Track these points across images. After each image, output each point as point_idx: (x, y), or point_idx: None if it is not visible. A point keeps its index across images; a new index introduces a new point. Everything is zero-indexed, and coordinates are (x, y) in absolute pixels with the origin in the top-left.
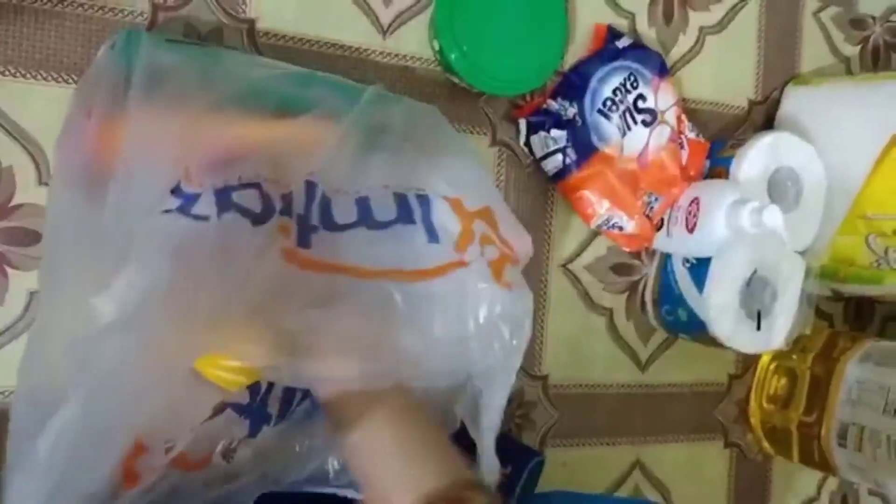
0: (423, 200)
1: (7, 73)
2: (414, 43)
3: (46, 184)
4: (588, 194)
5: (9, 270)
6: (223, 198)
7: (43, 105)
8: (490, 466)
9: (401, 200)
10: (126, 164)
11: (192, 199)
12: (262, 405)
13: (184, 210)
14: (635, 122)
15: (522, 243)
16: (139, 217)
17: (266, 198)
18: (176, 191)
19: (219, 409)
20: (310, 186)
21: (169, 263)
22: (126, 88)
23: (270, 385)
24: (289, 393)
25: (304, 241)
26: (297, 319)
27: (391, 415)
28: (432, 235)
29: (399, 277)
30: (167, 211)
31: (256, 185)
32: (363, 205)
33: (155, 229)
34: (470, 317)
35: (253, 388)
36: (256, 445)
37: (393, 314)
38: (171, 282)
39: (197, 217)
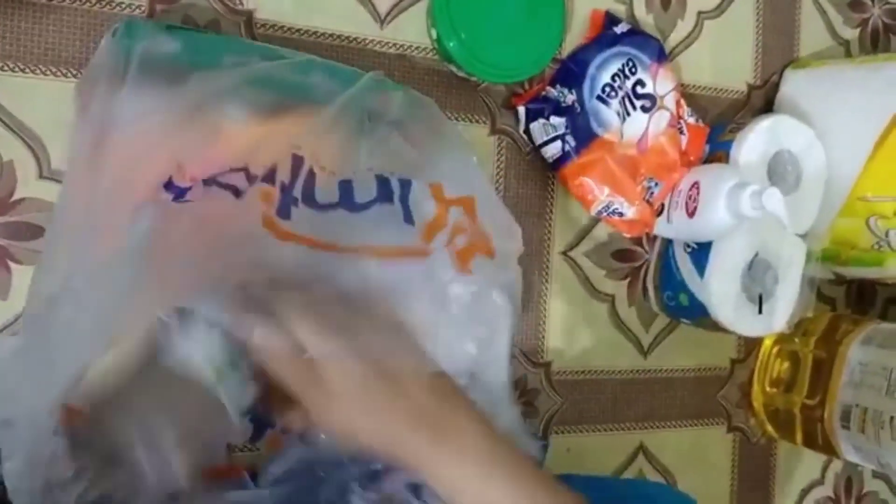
0: (405, 183)
1: (6, 67)
2: (412, 32)
3: (47, 178)
4: (588, 181)
5: (11, 265)
6: (209, 182)
7: (43, 99)
8: None
9: (382, 182)
10: (118, 159)
11: (183, 192)
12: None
13: (175, 201)
14: (634, 108)
15: (512, 236)
16: (130, 212)
17: (251, 176)
18: (168, 185)
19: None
20: (296, 160)
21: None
22: (125, 75)
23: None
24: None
25: (284, 212)
26: (270, 291)
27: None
28: (407, 216)
29: (372, 253)
30: (158, 203)
31: (243, 169)
32: (346, 188)
33: (142, 217)
34: (437, 304)
35: None
36: (282, 465)
37: (368, 291)
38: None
39: (183, 202)
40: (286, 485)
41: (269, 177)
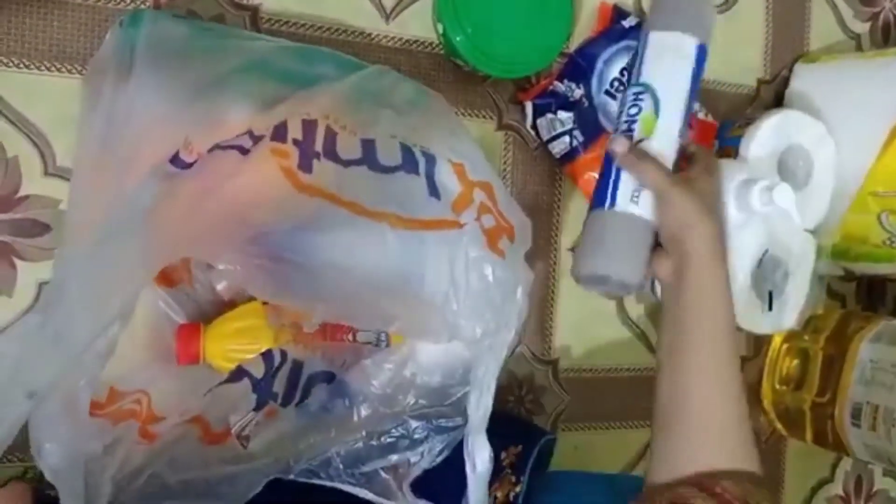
0: (429, 157)
1: (11, 64)
2: (418, 26)
3: (53, 174)
4: (596, 176)
5: (17, 262)
6: (212, 148)
7: (48, 96)
8: (478, 455)
9: (406, 151)
10: (129, 133)
11: (189, 165)
12: (269, 382)
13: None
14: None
15: (522, 228)
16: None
17: (255, 137)
18: (175, 160)
19: (236, 376)
20: (308, 123)
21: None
22: (132, 60)
23: (281, 363)
24: (294, 374)
25: (305, 166)
26: (289, 239)
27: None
28: (433, 190)
29: (396, 222)
30: (166, 176)
31: (247, 132)
32: (368, 146)
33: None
34: (461, 277)
35: (267, 364)
36: (271, 433)
37: (384, 256)
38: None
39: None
40: (275, 451)
41: (280, 135)
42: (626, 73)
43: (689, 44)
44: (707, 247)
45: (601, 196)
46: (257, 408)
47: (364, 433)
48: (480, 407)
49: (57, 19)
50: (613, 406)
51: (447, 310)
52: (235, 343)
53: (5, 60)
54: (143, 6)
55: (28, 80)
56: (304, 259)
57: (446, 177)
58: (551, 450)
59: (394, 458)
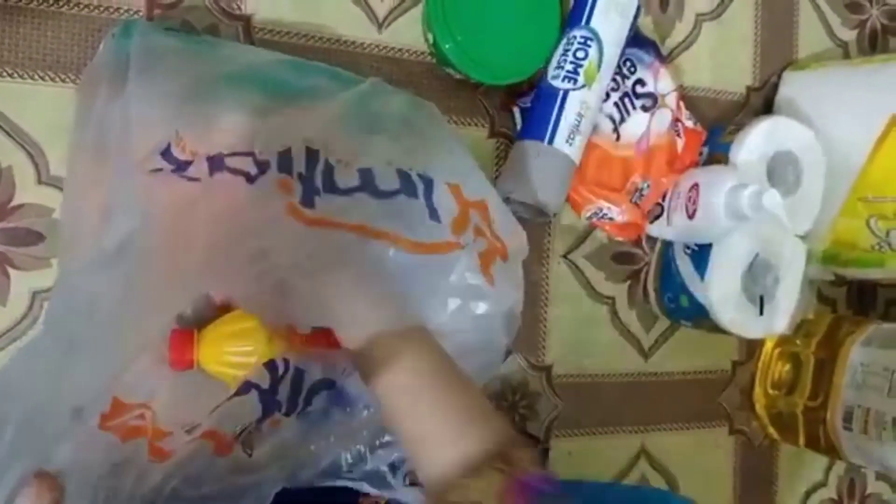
0: (426, 180)
1: (5, 73)
2: (409, 36)
3: (46, 183)
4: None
5: (10, 271)
6: (215, 163)
7: (42, 105)
8: None
9: (404, 176)
10: (122, 143)
11: (184, 165)
12: (273, 391)
13: (176, 172)
14: (634, 108)
15: (517, 240)
16: (128, 174)
17: (261, 163)
18: (166, 154)
19: (244, 389)
20: (311, 152)
21: (157, 216)
22: (126, 69)
23: (284, 372)
24: (296, 383)
25: (307, 202)
26: (298, 271)
27: (422, 355)
28: (433, 213)
29: (402, 244)
30: (156, 170)
31: (250, 154)
32: (366, 174)
33: (142, 184)
34: (451, 303)
35: (272, 374)
36: (274, 442)
37: (387, 276)
38: (161, 233)
39: (190, 178)
40: (280, 460)
41: (286, 167)
42: (615, 79)
43: (633, 4)
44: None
45: (540, 131)
46: (263, 417)
47: (364, 437)
48: None
49: (51, 29)
50: (607, 411)
51: (438, 326)
52: (230, 346)
53: None
54: (136, 16)
55: (22, 90)
56: (310, 288)
57: (444, 199)
58: (545, 459)
59: (393, 457)
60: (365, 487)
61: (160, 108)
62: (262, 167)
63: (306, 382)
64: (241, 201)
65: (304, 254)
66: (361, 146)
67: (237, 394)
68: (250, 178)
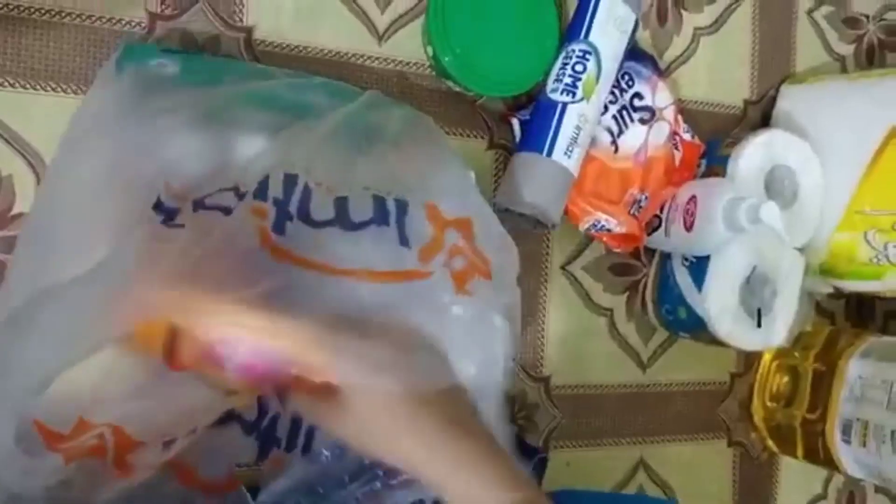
0: (401, 205)
1: (6, 83)
2: (410, 49)
3: None
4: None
5: None
6: (198, 204)
7: (42, 115)
8: None
9: (379, 203)
10: (109, 179)
11: (174, 213)
12: (271, 427)
13: (164, 223)
14: (632, 120)
15: (505, 255)
16: (122, 234)
17: (241, 195)
18: (157, 206)
19: (224, 419)
20: (289, 178)
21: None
22: (120, 101)
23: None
24: (297, 418)
25: (279, 227)
26: (262, 307)
27: (448, 424)
28: (403, 239)
29: (366, 277)
30: (150, 223)
31: (233, 188)
32: (341, 205)
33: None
34: (438, 326)
35: (261, 407)
36: (283, 484)
37: (362, 310)
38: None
39: (174, 226)
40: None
41: (261, 192)
42: (612, 93)
43: (631, 19)
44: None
45: (539, 143)
46: (261, 455)
47: (380, 475)
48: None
49: (53, 39)
50: (605, 422)
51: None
52: None
53: (0, 80)
54: (138, 28)
55: (23, 99)
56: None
57: (418, 223)
58: (543, 469)
59: (412, 495)
60: None
61: (147, 152)
62: (242, 197)
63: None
64: (216, 232)
65: (265, 288)
66: (343, 171)
67: (218, 423)
68: (228, 211)
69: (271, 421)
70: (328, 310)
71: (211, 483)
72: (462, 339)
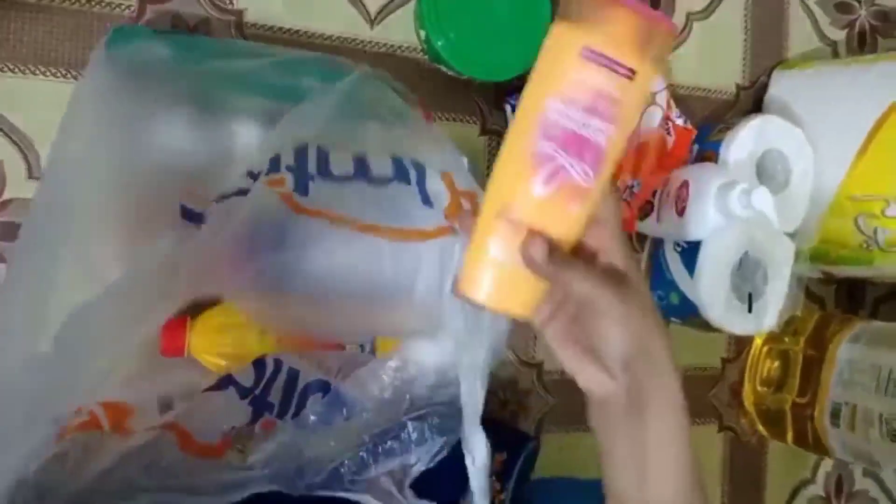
0: (419, 167)
1: None
2: (402, 32)
3: (37, 178)
4: None
5: (0, 265)
6: (219, 199)
7: (33, 100)
8: (476, 447)
9: (397, 162)
10: (112, 177)
11: (200, 216)
12: (264, 392)
13: (192, 222)
14: None
15: None
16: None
17: (254, 175)
18: (185, 212)
19: (222, 384)
20: (300, 150)
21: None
22: (116, 85)
23: (275, 372)
24: (290, 384)
25: (301, 188)
26: (287, 260)
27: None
28: (426, 199)
29: (391, 235)
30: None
31: (248, 173)
32: (361, 161)
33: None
34: (448, 279)
35: (258, 373)
36: (270, 446)
37: (380, 270)
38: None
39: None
40: (276, 464)
41: (273, 168)
42: None
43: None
44: (677, 394)
45: None
46: (253, 419)
47: (364, 441)
48: (472, 396)
49: (42, 24)
50: None
51: (433, 308)
52: (222, 338)
53: None
54: (128, 11)
55: (13, 84)
56: (302, 286)
57: (437, 185)
58: (536, 456)
59: (394, 462)
60: (369, 500)
61: (156, 154)
62: (255, 177)
63: (300, 383)
64: (237, 214)
65: (293, 244)
66: (355, 131)
67: (214, 387)
68: (245, 192)
69: (265, 386)
70: (347, 264)
71: (206, 446)
72: (470, 309)
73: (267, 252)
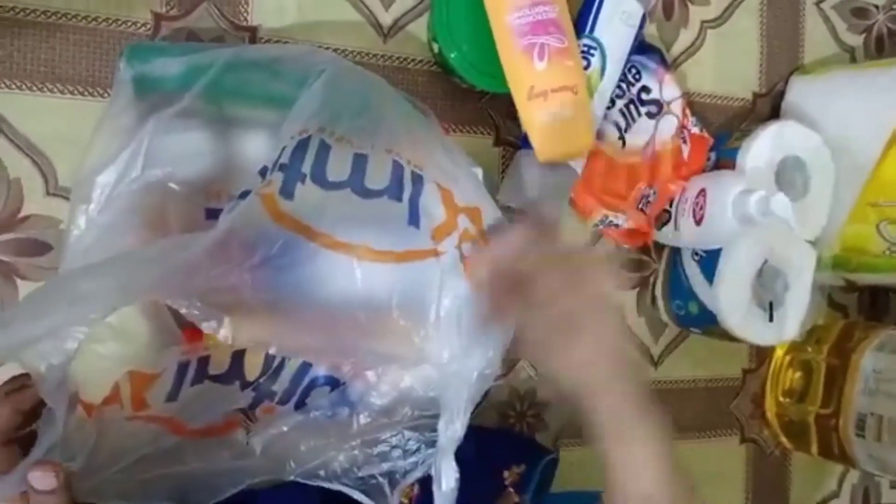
0: (417, 179)
1: (14, 86)
2: (414, 45)
3: (54, 194)
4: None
5: (18, 281)
6: (230, 200)
7: (50, 117)
8: (444, 475)
9: (397, 171)
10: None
11: (218, 212)
12: (268, 382)
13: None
14: (639, 114)
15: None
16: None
17: (263, 170)
18: (209, 212)
19: (230, 377)
20: (302, 141)
21: None
22: (133, 105)
23: (282, 361)
24: (299, 376)
25: (287, 191)
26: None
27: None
28: (413, 218)
29: (366, 254)
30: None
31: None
32: (359, 163)
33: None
34: (432, 304)
35: (265, 365)
36: (270, 432)
37: (352, 290)
38: None
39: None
40: (272, 450)
41: (274, 165)
42: (620, 87)
43: (639, 13)
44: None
45: None
46: (252, 405)
47: (360, 440)
48: (449, 430)
49: (59, 41)
50: None
51: (415, 335)
52: None
53: (8, 82)
54: (143, 28)
55: (30, 102)
56: (269, 297)
57: (431, 202)
58: (554, 469)
59: (387, 465)
60: (360, 497)
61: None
62: (263, 175)
63: (308, 376)
64: (224, 218)
65: (263, 254)
66: (367, 126)
67: (221, 379)
68: (246, 194)
69: (271, 377)
70: (317, 282)
71: (205, 429)
72: (450, 324)
73: (234, 264)
